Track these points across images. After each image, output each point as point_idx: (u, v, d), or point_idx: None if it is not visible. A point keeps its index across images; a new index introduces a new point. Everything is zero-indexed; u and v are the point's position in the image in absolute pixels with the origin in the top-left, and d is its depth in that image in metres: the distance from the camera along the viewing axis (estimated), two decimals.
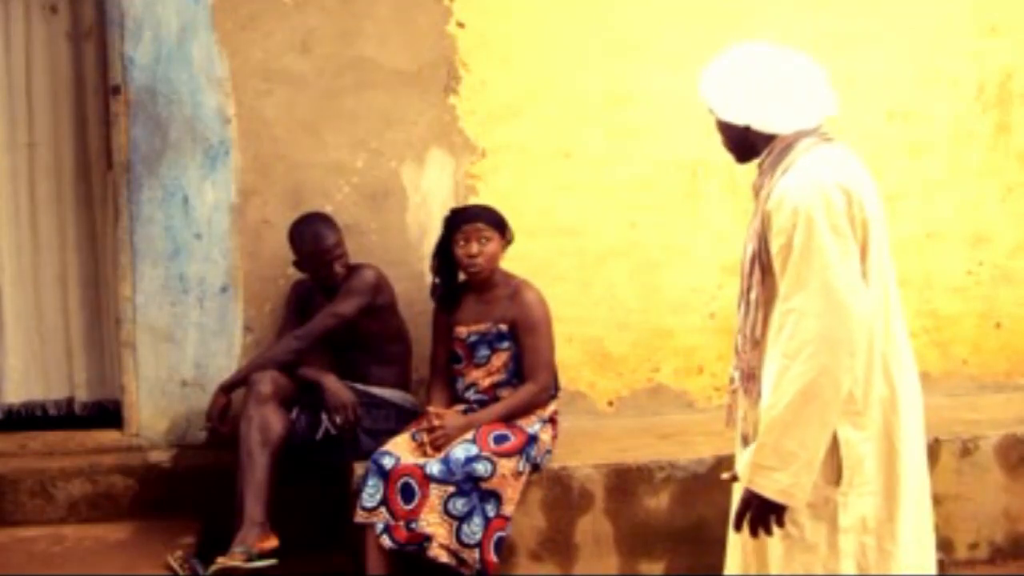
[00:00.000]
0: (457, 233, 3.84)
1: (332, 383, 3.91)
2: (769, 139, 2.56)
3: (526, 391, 3.82)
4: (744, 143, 2.62)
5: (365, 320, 4.01)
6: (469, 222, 3.83)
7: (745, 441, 2.60)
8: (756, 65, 2.55)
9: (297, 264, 4.07)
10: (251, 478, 3.73)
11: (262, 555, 3.63)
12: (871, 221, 2.46)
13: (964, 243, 4.73)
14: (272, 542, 3.68)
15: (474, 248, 3.81)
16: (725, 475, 2.67)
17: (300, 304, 4.14)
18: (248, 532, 3.66)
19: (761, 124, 2.54)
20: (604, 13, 4.41)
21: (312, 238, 3.99)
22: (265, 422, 3.79)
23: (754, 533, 2.49)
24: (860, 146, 2.76)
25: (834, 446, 2.47)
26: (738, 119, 2.56)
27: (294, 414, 3.93)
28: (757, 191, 2.59)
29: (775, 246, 2.47)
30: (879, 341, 2.48)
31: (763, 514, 2.46)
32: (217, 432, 4.00)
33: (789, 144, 2.53)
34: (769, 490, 2.43)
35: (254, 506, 3.70)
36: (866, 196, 2.48)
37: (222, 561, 3.57)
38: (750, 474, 2.47)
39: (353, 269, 4.06)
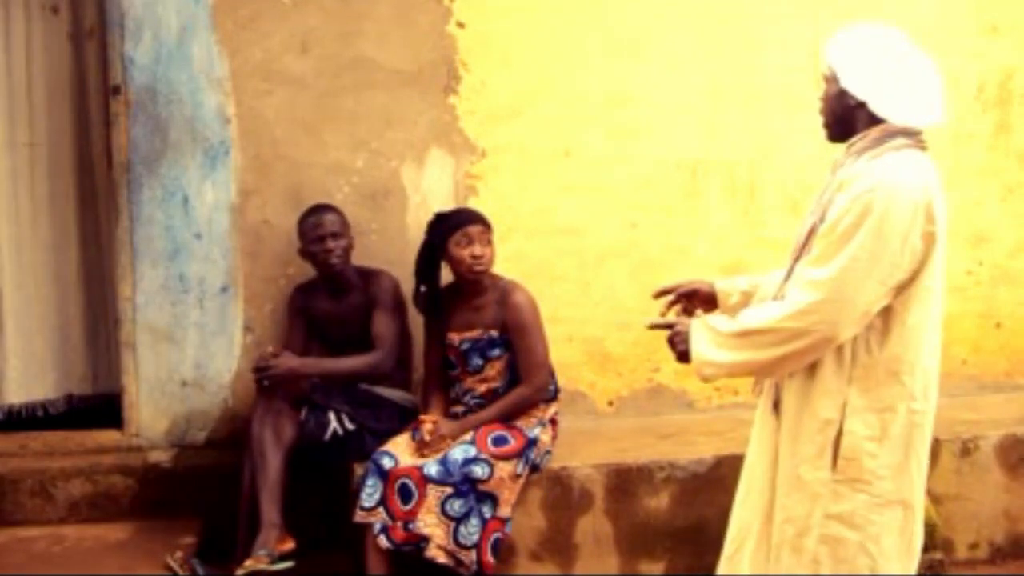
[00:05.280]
0: (456, 235, 3.80)
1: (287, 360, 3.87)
2: (871, 123, 2.54)
3: (518, 393, 3.82)
4: (846, 119, 2.59)
5: (370, 320, 4.00)
6: (471, 224, 3.82)
7: (776, 408, 2.63)
8: (891, 48, 2.56)
9: (301, 252, 4.04)
10: (265, 479, 3.75)
11: (281, 557, 3.65)
12: (939, 236, 2.50)
13: (964, 243, 4.73)
14: (289, 544, 3.71)
15: (478, 249, 3.80)
16: (647, 321, 2.78)
17: (302, 308, 4.13)
18: (268, 534, 3.68)
19: (878, 105, 2.52)
20: (604, 13, 4.40)
21: (317, 216, 3.99)
22: (278, 423, 3.81)
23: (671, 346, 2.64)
24: None
25: (837, 434, 2.51)
26: (859, 92, 2.53)
27: (303, 415, 3.93)
28: (836, 168, 2.59)
29: (828, 219, 2.48)
30: (927, 357, 2.55)
31: (674, 345, 2.63)
32: (260, 368, 3.88)
33: (887, 135, 2.52)
34: (696, 345, 2.56)
35: (270, 508, 3.72)
36: (939, 211, 2.51)
37: (250, 564, 3.59)
38: (703, 321, 2.60)
39: (367, 277, 4.05)
